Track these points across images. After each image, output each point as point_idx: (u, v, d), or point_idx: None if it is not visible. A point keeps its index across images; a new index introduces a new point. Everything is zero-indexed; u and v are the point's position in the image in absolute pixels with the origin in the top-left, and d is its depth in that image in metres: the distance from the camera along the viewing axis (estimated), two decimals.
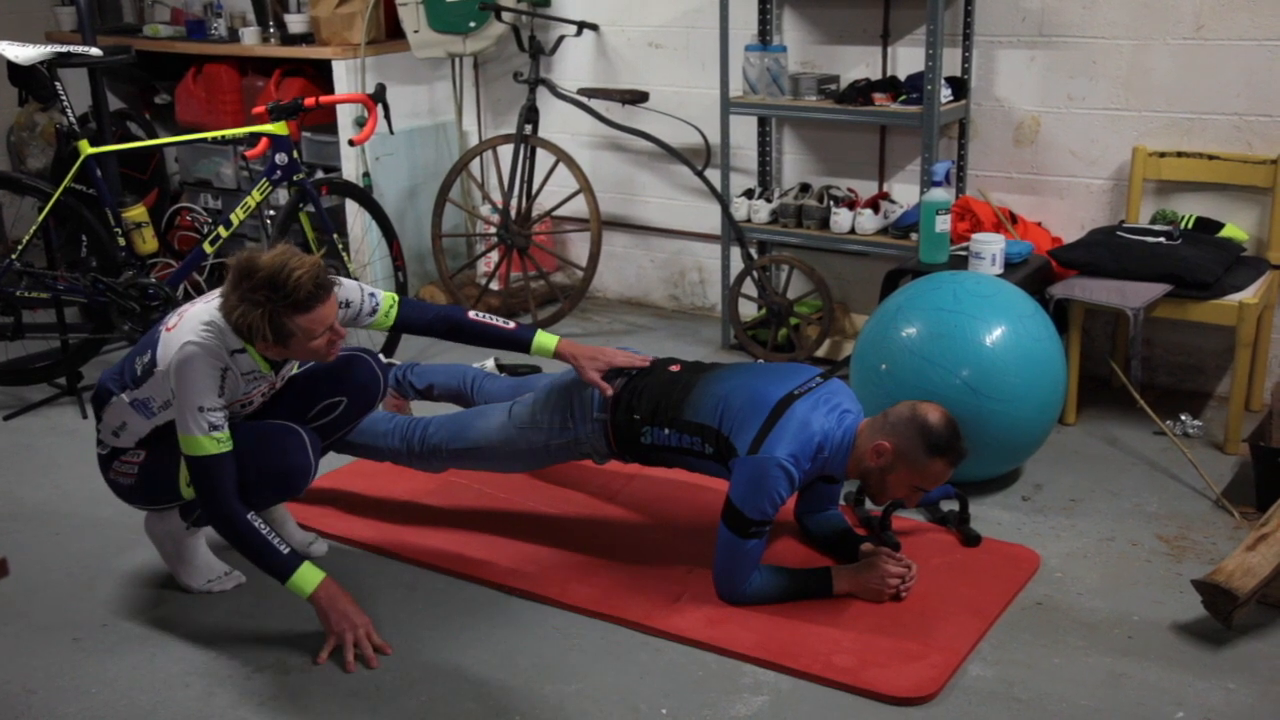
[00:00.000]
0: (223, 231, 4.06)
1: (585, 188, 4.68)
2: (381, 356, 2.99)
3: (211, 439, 2.59)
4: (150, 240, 4.15)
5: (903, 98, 4.04)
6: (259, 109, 3.98)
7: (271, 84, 5.03)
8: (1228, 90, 3.74)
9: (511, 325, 2.93)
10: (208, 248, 4.08)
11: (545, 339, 2.91)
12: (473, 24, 4.83)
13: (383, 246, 4.45)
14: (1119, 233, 3.73)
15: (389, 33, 4.99)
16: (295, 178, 4.02)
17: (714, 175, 4.45)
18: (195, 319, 2.63)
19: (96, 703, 2.53)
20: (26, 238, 4.06)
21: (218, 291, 2.64)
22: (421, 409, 3.50)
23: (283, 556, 2.63)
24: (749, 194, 4.51)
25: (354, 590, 2.92)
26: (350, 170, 4.87)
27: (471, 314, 2.94)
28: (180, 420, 2.60)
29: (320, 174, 4.89)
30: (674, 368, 3.00)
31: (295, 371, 2.91)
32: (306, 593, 2.65)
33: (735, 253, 4.46)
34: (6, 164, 5.47)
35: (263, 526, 2.64)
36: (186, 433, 2.59)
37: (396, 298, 2.90)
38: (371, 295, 2.85)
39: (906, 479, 2.70)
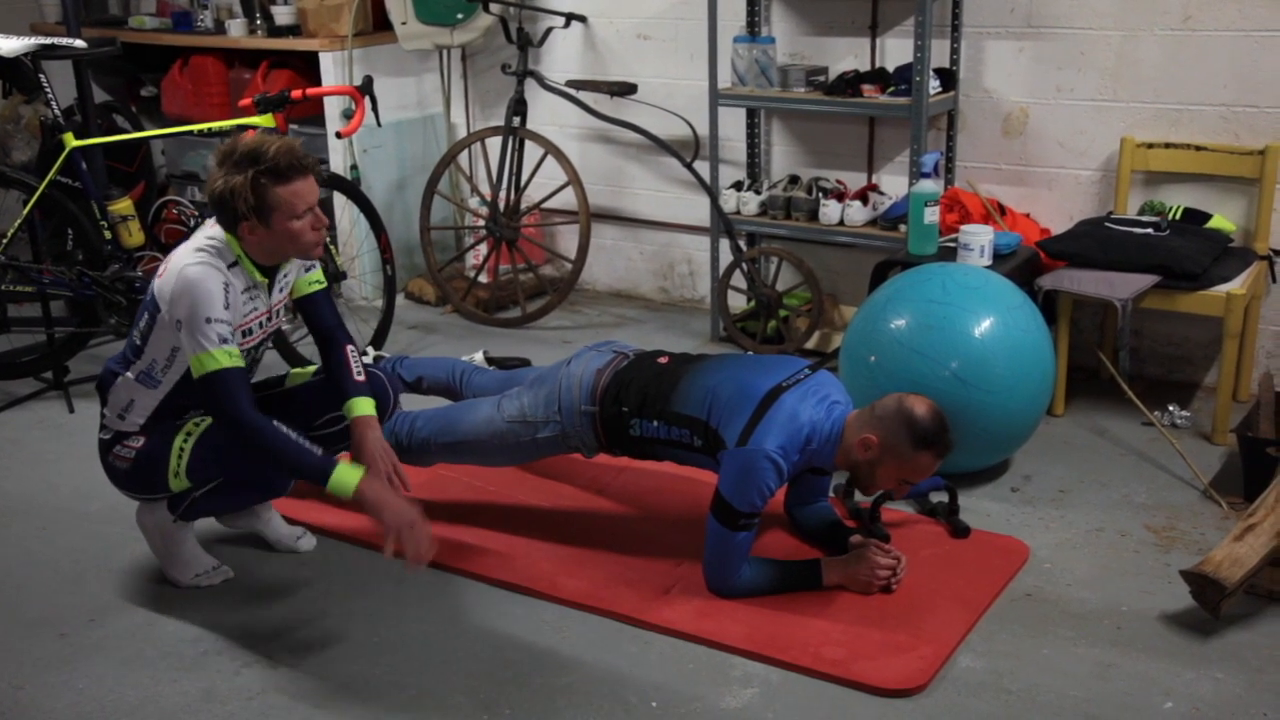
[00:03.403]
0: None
1: (574, 180, 4.67)
2: (371, 350, 2.99)
3: (223, 352, 2.59)
4: (136, 233, 4.13)
5: (891, 89, 4.04)
6: (246, 101, 3.96)
7: (258, 76, 5.01)
8: (1215, 81, 3.75)
9: (360, 378, 2.87)
10: None
11: (357, 406, 2.80)
12: (460, 16, 4.81)
13: (371, 239, 4.44)
14: (1107, 224, 3.73)
15: (376, 24, 4.97)
16: None
17: (703, 167, 4.44)
18: (185, 250, 2.69)
19: (84, 698, 2.52)
20: (11, 231, 4.04)
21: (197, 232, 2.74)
22: (410, 402, 3.48)
23: (318, 458, 2.62)
24: (738, 186, 4.51)
25: (344, 584, 2.93)
26: (338, 163, 4.85)
27: (350, 349, 2.90)
28: (189, 340, 2.60)
29: None
30: (662, 359, 2.99)
31: (290, 281, 2.89)
32: (350, 490, 2.61)
33: (724, 245, 4.46)
34: None
35: (290, 432, 2.63)
36: (197, 351, 2.59)
37: (325, 284, 2.96)
38: (315, 265, 2.93)
39: (894, 471, 2.71)
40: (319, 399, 2.92)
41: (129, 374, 2.77)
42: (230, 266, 2.68)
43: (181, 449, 2.74)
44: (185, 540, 2.93)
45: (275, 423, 2.64)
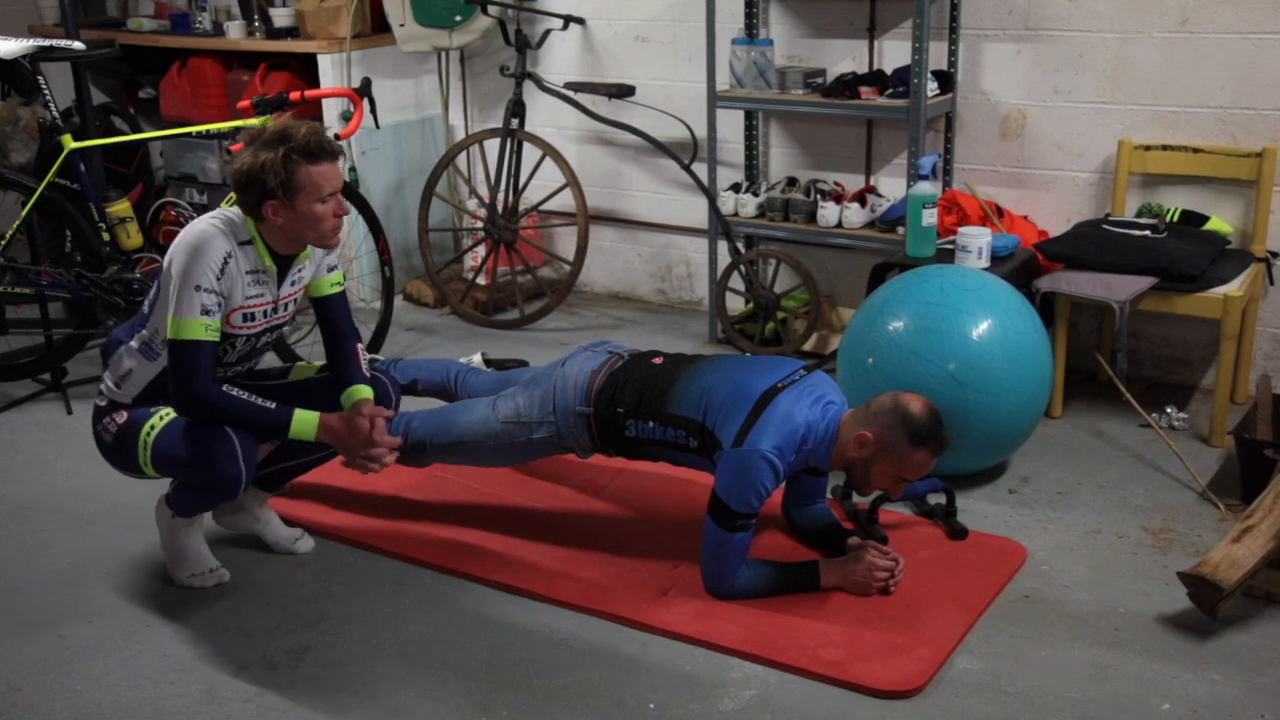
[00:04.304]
0: None
1: (572, 182, 4.67)
2: (364, 349, 3.00)
3: (200, 323, 2.64)
4: (135, 235, 4.13)
5: (889, 91, 4.04)
6: (244, 103, 3.96)
7: (256, 78, 5.01)
8: (1212, 83, 3.75)
9: (366, 373, 2.94)
10: None
11: (304, 421, 2.76)
12: (458, 18, 4.81)
13: (369, 241, 4.44)
14: (1105, 226, 3.73)
15: (375, 26, 4.97)
16: None
17: (701, 169, 4.44)
18: (202, 217, 2.73)
19: (82, 700, 2.52)
20: (10, 233, 4.04)
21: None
22: (406, 403, 3.48)
23: (274, 412, 2.71)
24: (736, 188, 4.51)
25: (342, 585, 2.93)
26: None
27: (360, 348, 2.98)
28: (175, 299, 2.64)
29: None
30: (657, 360, 2.99)
31: (306, 277, 2.90)
32: (313, 435, 2.73)
33: (722, 247, 4.46)
34: None
35: (240, 393, 2.71)
36: (178, 313, 2.63)
37: (344, 288, 2.99)
38: (337, 265, 2.97)
39: (890, 469, 2.71)
40: (323, 394, 2.92)
41: (132, 343, 2.80)
42: (242, 245, 2.72)
43: (145, 442, 2.76)
44: (190, 538, 2.93)
45: (225, 387, 2.71)
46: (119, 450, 2.82)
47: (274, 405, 2.73)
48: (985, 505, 3.24)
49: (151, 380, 2.79)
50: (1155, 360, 4.06)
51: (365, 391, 2.87)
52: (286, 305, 2.88)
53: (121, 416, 2.81)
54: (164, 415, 2.78)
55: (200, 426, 2.73)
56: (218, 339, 2.69)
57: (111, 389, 2.83)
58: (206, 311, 2.64)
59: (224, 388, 2.71)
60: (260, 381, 2.96)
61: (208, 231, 2.68)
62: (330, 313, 2.96)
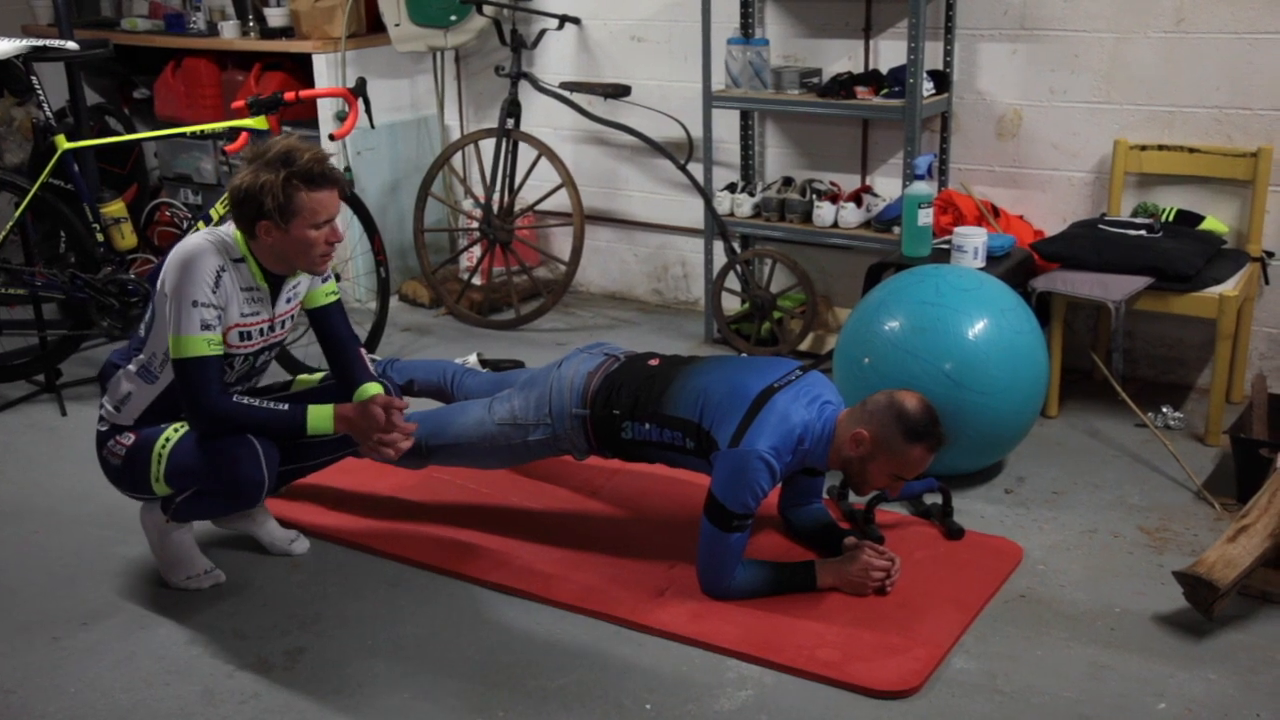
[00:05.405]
0: (202, 227, 4.02)
1: (568, 182, 4.67)
2: (364, 351, 3.00)
3: (202, 339, 2.64)
4: (129, 236, 4.12)
5: (885, 91, 4.04)
6: (239, 103, 3.95)
7: (251, 78, 5.01)
8: (1208, 83, 3.75)
9: (373, 373, 2.95)
10: None
11: (319, 416, 2.78)
12: (454, 17, 4.81)
13: (364, 242, 4.43)
14: (1100, 226, 3.74)
15: (370, 26, 4.97)
16: None
17: (696, 169, 4.44)
18: (193, 235, 2.74)
19: (76, 702, 2.52)
20: (3, 234, 4.03)
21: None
22: None
23: (288, 413, 2.74)
24: (732, 188, 4.51)
25: (338, 587, 2.92)
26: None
27: (363, 352, 2.99)
28: (173, 319, 2.65)
29: None
30: (653, 362, 2.99)
31: (300, 292, 2.90)
32: (330, 428, 2.76)
33: (718, 247, 4.46)
34: None
35: (251, 400, 2.73)
36: (178, 332, 2.64)
37: (339, 296, 2.98)
38: (330, 275, 2.96)
39: (887, 467, 2.71)
40: (328, 402, 2.90)
41: (130, 366, 2.80)
42: (235, 262, 2.72)
43: (160, 455, 2.76)
44: (181, 541, 2.93)
45: (236, 397, 2.72)
46: (129, 469, 2.81)
47: (287, 406, 2.74)
48: (981, 505, 3.24)
49: (152, 402, 2.79)
50: (1151, 360, 4.07)
51: (376, 388, 2.88)
52: (283, 323, 2.88)
53: (128, 438, 2.80)
54: (178, 429, 2.78)
55: (220, 436, 2.74)
56: (221, 352, 2.70)
57: (111, 412, 2.83)
58: (207, 326, 2.65)
59: (235, 397, 2.72)
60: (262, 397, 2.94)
61: (199, 246, 2.68)
62: (328, 322, 2.95)
